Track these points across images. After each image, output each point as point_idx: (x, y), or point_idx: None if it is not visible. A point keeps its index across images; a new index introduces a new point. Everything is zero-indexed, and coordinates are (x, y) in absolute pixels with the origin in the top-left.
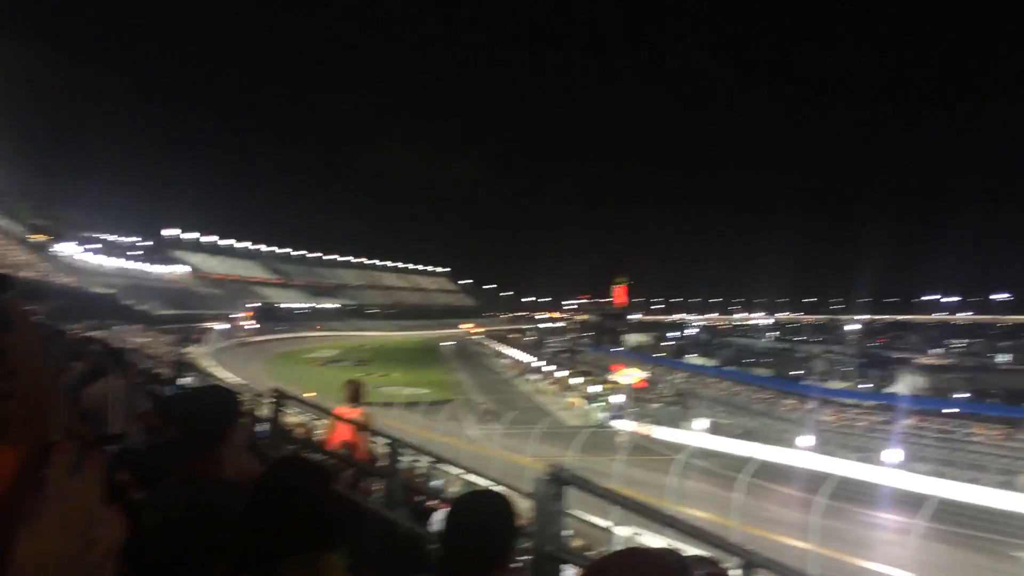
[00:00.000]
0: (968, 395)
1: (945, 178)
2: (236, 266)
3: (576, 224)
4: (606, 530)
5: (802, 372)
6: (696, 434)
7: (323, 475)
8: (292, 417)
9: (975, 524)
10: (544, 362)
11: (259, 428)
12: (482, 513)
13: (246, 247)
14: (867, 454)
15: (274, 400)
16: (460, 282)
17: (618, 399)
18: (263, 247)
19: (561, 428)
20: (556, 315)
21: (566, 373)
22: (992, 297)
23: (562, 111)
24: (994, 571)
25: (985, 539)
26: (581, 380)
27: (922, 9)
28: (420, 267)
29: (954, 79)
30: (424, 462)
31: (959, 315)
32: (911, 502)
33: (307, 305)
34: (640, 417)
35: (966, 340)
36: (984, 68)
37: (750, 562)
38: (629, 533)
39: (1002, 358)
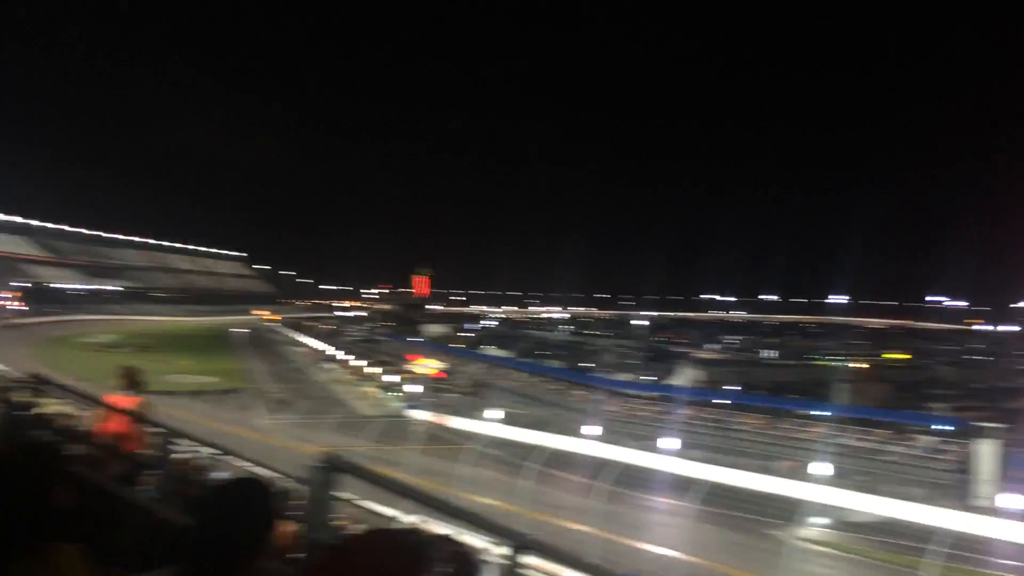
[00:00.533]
0: (739, 387)
1: (722, 192)
2: (1, 241)
3: (380, 214)
4: (392, 519)
5: (592, 364)
6: (490, 424)
7: (48, 462)
8: (55, 406)
9: (738, 505)
10: (342, 351)
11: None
12: (237, 500)
13: (13, 220)
14: (648, 442)
15: (32, 385)
16: (256, 267)
17: (415, 389)
18: (34, 221)
19: (356, 418)
20: (356, 304)
21: (364, 363)
22: (762, 297)
23: (369, 97)
24: (748, 547)
25: (746, 519)
26: (378, 370)
27: None
28: (214, 250)
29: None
30: (205, 453)
31: (733, 313)
32: (685, 486)
33: (84, 287)
34: (436, 407)
35: (739, 336)
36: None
37: (521, 544)
38: (415, 520)
39: (768, 353)
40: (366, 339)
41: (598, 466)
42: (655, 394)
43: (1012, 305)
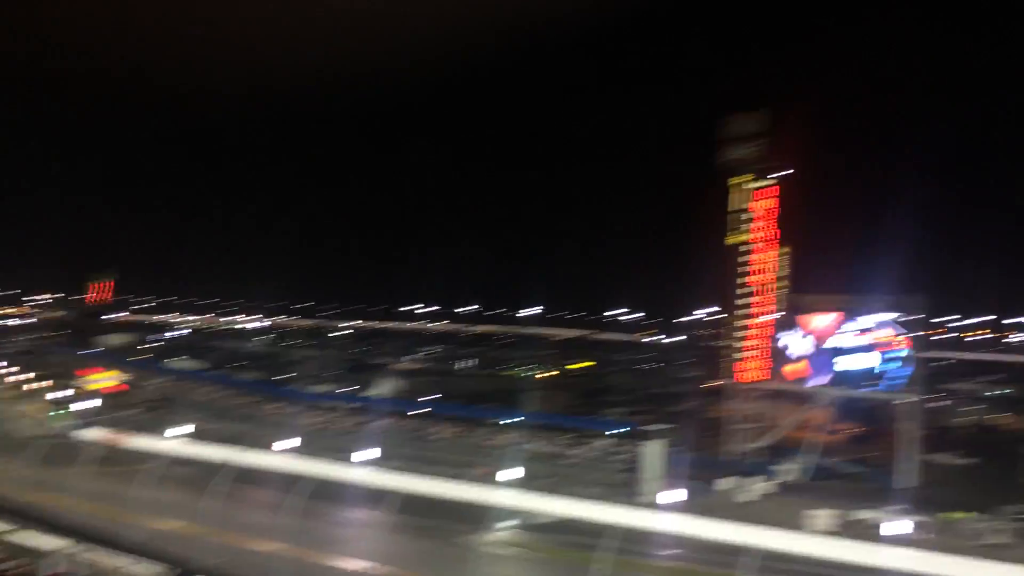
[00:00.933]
0: (436, 397)
1: (417, 198)
2: None
3: (52, 213)
4: (34, 549)
5: (291, 376)
6: (175, 441)
7: None
8: None
9: (433, 513)
10: (4, 363)
11: None
12: None
13: None
14: (345, 454)
15: None
16: None
17: (88, 406)
18: None
19: (13, 440)
20: (21, 311)
21: (28, 377)
22: (459, 310)
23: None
24: (440, 554)
25: (440, 526)
26: (45, 385)
27: None
28: None
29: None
30: None
31: (433, 324)
32: (382, 497)
33: None
34: (115, 424)
35: (438, 347)
36: None
37: (185, 571)
38: (66, 548)
39: (464, 364)
40: (30, 350)
41: (293, 481)
42: (354, 405)
43: (678, 320)
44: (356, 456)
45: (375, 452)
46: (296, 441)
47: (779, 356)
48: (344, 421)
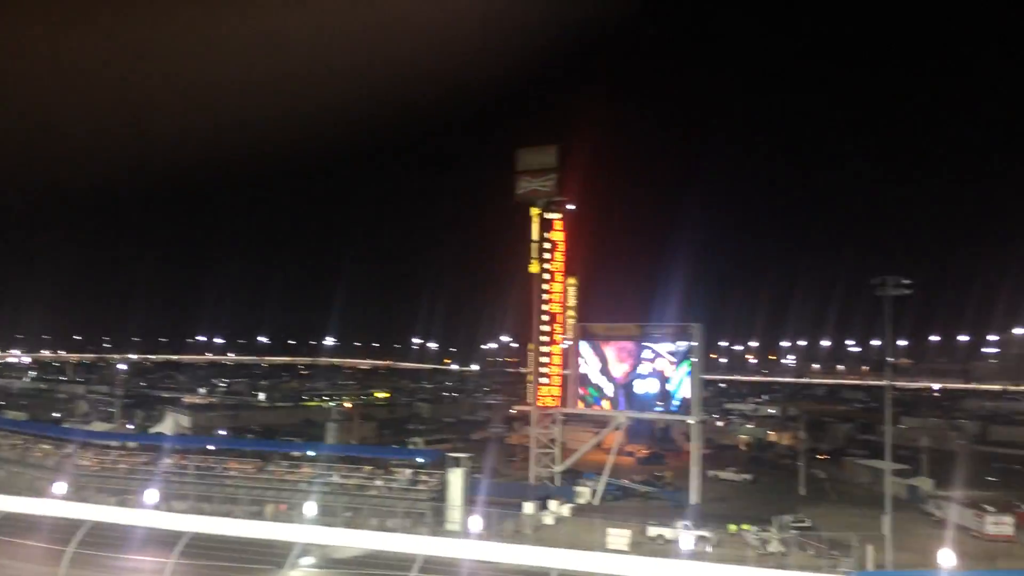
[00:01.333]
0: (228, 431)
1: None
2: None
3: None
4: None
5: (62, 414)
6: None
7: None
8: None
9: (226, 554)
10: None
11: None
12: None
13: None
14: (126, 496)
15: None
16: None
17: None
18: None
19: None
20: None
21: None
22: (259, 339)
23: None
24: None
25: (236, 568)
26: None
27: None
28: None
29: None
30: None
31: (226, 356)
32: (169, 540)
33: None
34: None
35: (234, 379)
36: None
37: None
38: None
39: (261, 396)
40: None
41: (67, 528)
42: (136, 443)
43: (477, 348)
44: (139, 497)
45: (158, 493)
46: (68, 484)
47: (574, 382)
48: (126, 460)
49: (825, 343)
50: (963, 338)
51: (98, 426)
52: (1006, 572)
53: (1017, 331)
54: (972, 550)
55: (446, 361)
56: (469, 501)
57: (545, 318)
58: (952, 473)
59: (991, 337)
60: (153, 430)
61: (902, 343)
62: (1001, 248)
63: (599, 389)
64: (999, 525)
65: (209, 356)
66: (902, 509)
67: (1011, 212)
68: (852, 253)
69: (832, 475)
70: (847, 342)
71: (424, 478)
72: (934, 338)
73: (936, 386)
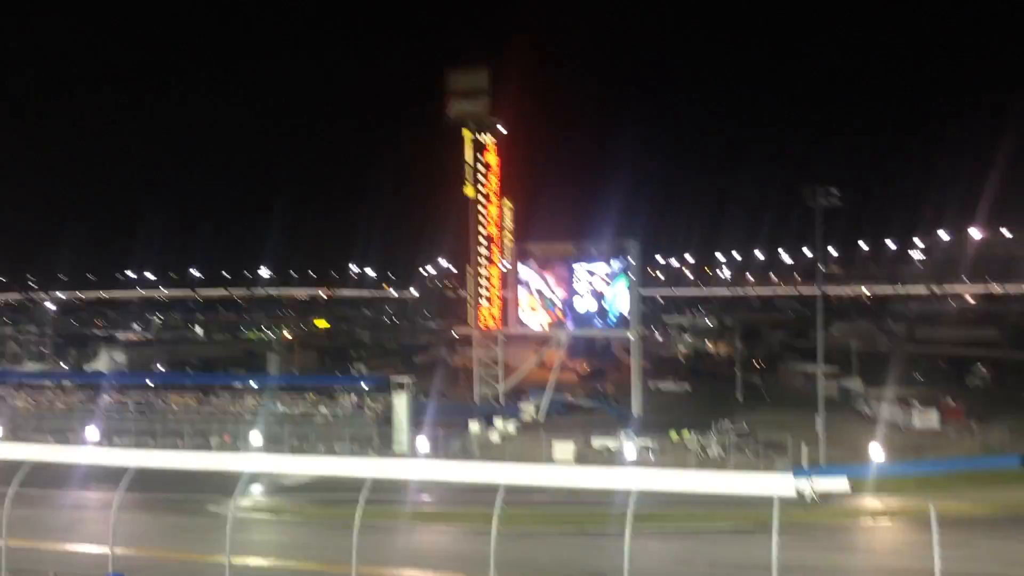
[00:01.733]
0: (167, 367)
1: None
2: None
3: None
4: None
5: None
6: None
7: None
8: None
9: (175, 487)
10: None
11: None
12: None
13: None
14: (66, 435)
15: None
16: None
17: None
18: None
19: None
20: None
21: None
22: (192, 273)
23: None
24: (189, 527)
25: (184, 499)
26: None
27: None
28: None
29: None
30: None
31: (159, 291)
32: (114, 476)
33: None
34: None
35: (165, 314)
36: None
37: None
38: None
39: (199, 329)
40: None
41: (5, 470)
42: (72, 382)
43: (416, 272)
44: (80, 436)
45: (102, 430)
46: (4, 426)
47: (514, 303)
48: (64, 400)
49: (759, 255)
50: (891, 244)
51: (31, 366)
52: (930, 460)
53: (941, 234)
54: (900, 443)
55: (385, 287)
56: (415, 424)
57: (482, 241)
58: (881, 373)
59: (917, 242)
60: (89, 368)
61: (833, 251)
62: (925, 153)
63: (537, 308)
64: (925, 418)
65: (141, 292)
66: (835, 410)
67: (934, 119)
68: (784, 165)
69: (768, 381)
70: (780, 252)
71: (369, 403)
72: (864, 245)
73: (866, 291)
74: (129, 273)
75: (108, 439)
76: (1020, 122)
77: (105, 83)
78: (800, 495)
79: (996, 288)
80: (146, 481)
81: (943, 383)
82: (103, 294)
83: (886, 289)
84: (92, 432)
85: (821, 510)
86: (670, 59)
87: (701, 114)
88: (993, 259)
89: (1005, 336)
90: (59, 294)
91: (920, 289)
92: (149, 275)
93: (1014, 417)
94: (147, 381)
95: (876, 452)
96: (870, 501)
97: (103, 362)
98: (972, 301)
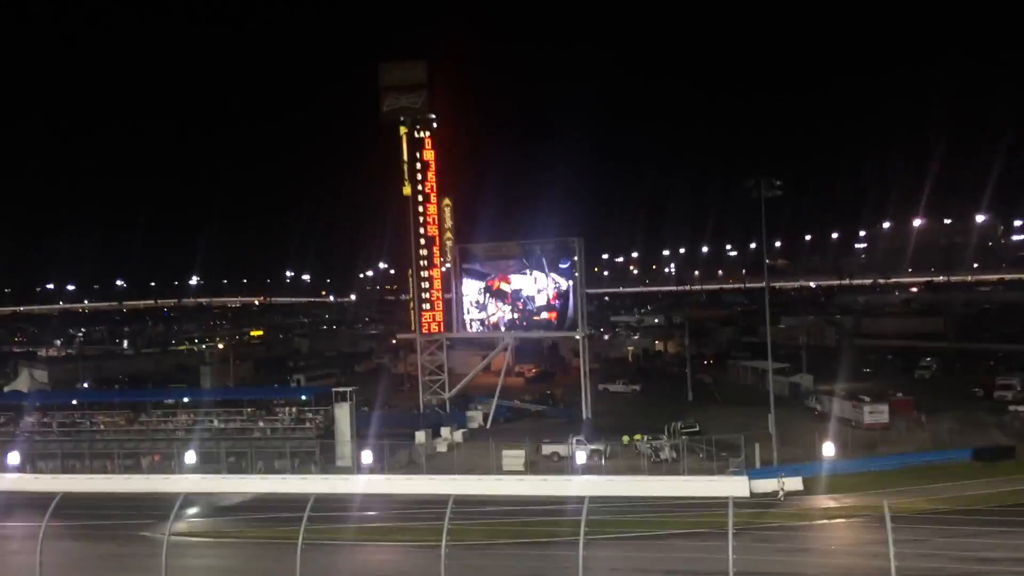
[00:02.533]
0: (91, 384)
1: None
2: None
3: None
4: None
5: None
6: None
7: None
8: None
9: (105, 513)
10: None
11: None
12: None
13: None
14: None
15: None
16: None
17: None
18: None
19: None
20: None
21: None
22: (116, 283)
23: None
24: (122, 555)
25: (115, 526)
26: None
27: None
28: None
29: None
30: None
31: (81, 304)
32: (39, 503)
33: None
34: None
35: (88, 328)
36: None
37: None
38: None
39: (124, 344)
40: None
41: None
42: None
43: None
44: (1, 462)
45: (24, 454)
46: None
47: (458, 306)
48: None
49: (704, 249)
50: (835, 236)
51: None
52: (883, 457)
53: (884, 226)
54: (852, 440)
55: (322, 293)
56: (359, 435)
57: (422, 242)
58: (830, 368)
59: (861, 233)
60: (8, 388)
61: (779, 245)
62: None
63: (481, 311)
64: (875, 414)
65: (62, 305)
66: (785, 406)
67: (877, 113)
68: (727, 160)
69: (718, 379)
70: (726, 247)
71: (309, 416)
72: (809, 238)
73: (812, 284)
74: (49, 285)
75: (31, 464)
76: (963, 111)
77: (25, 89)
78: (772, 494)
79: (940, 278)
80: (74, 508)
81: (891, 376)
82: (21, 308)
83: (832, 281)
84: (14, 457)
85: (776, 512)
86: (613, 53)
87: (645, 108)
88: (935, 249)
89: (950, 327)
90: None
91: (865, 280)
92: (71, 287)
93: (961, 409)
94: (72, 400)
95: (828, 450)
96: (824, 500)
97: (22, 381)
98: (915, 291)
